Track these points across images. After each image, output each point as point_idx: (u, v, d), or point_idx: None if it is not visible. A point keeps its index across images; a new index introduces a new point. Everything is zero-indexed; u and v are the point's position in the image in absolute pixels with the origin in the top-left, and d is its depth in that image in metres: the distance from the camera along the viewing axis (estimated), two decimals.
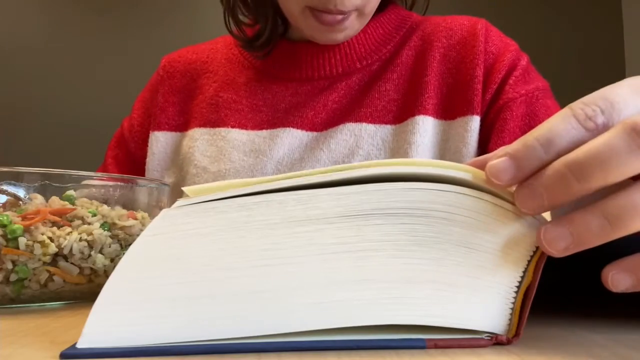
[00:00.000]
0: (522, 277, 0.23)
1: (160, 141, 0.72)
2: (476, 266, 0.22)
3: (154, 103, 0.74)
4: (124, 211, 0.37)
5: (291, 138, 0.66)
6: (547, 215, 0.23)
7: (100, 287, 0.35)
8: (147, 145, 0.72)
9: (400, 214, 0.22)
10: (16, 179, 0.35)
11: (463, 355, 0.21)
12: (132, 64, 2.34)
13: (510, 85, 0.63)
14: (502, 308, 0.22)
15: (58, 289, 0.34)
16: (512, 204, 0.22)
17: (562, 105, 0.25)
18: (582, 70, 2.33)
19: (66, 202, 0.35)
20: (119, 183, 0.39)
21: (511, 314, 0.23)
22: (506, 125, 0.62)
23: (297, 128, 0.66)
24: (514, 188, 0.26)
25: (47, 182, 0.35)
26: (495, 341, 0.22)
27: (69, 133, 2.32)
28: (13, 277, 0.33)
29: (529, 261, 0.23)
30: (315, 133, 0.66)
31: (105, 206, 0.37)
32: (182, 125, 0.72)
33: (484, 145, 0.64)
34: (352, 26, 0.63)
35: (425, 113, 0.64)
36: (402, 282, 0.22)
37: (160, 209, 0.41)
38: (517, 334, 0.22)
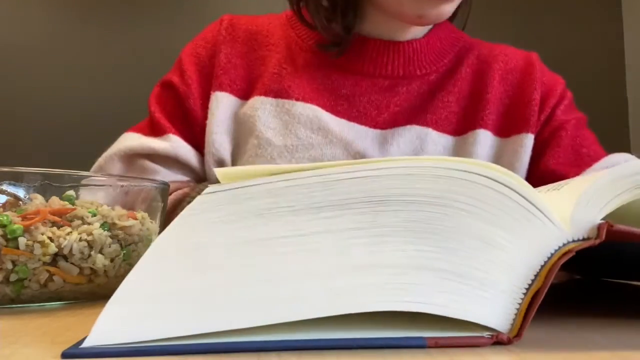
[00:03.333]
0: (533, 281, 0.23)
1: (223, 103, 0.68)
2: (489, 261, 0.22)
3: (215, 62, 0.70)
4: (124, 211, 0.37)
5: (356, 131, 0.67)
6: (565, 221, 0.23)
7: (100, 287, 0.36)
8: (205, 104, 0.69)
9: (422, 202, 0.23)
10: (16, 179, 0.34)
11: (463, 355, 0.21)
12: (133, 63, 2.34)
13: (562, 111, 0.72)
14: (508, 307, 0.23)
15: (58, 289, 0.34)
16: (538, 209, 0.23)
17: None
18: (582, 71, 2.33)
19: (66, 202, 0.35)
20: (119, 183, 0.39)
21: (516, 314, 0.23)
22: (561, 141, 0.70)
23: (361, 124, 0.68)
24: (546, 193, 0.26)
25: (47, 182, 0.35)
26: (495, 339, 0.22)
27: (69, 133, 2.32)
28: (13, 277, 0.33)
29: (542, 266, 0.23)
30: (379, 130, 0.68)
31: (105, 206, 0.37)
32: (243, 93, 0.69)
33: (535, 161, 0.70)
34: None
35: (486, 127, 0.69)
36: (412, 268, 0.22)
37: (161, 209, 0.41)
38: (518, 335, 0.22)
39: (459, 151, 0.68)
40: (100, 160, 0.69)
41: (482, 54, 0.74)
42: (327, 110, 0.67)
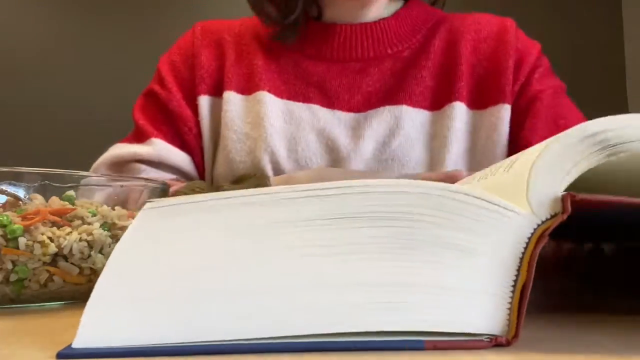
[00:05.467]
0: (517, 276, 0.22)
1: (205, 106, 0.71)
2: (469, 268, 0.22)
3: (195, 65, 0.72)
4: (124, 211, 0.37)
5: (329, 116, 0.68)
6: (524, 204, 0.22)
7: None
8: (190, 105, 0.71)
9: (384, 217, 0.22)
10: (16, 179, 0.35)
11: (463, 356, 0.21)
12: (132, 63, 2.33)
13: (537, 79, 0.69)
14: (499, 309, 0.22)
15: (58, 289, 0.34)
16: (498, 205, 0.22)
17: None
18: (582, 70, 2.33)
19: (66, 202, 0.35)
20: (119, 182, 0.39)
21: (509, 314, 0.22)
22: (538, 113, 0.67)
23: (334, 109, 0.68)
24: (494, 177, 0.26)
25: (47, 182, 0.35)
26: (494, 343, 0.22)
27: (70, 133, 2.32)
28: (13, 277, 0.33)
29: (522, 258, 0.22)
30: (352, 114, 0.68)
31: (105, 206, 0.37)
32: (219, 91, 0.72)
33: (515, 134, 0.68)
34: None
35: (462, 100, 0.68)
36: (394, 286, 0.22)
37: None
38: (516, 335, 0.22)
39: (436, 126, 0.68)
40: (90, 171, 0.72)
41: (454, 26, 0.72)
42: (298, 101, 0.69)
